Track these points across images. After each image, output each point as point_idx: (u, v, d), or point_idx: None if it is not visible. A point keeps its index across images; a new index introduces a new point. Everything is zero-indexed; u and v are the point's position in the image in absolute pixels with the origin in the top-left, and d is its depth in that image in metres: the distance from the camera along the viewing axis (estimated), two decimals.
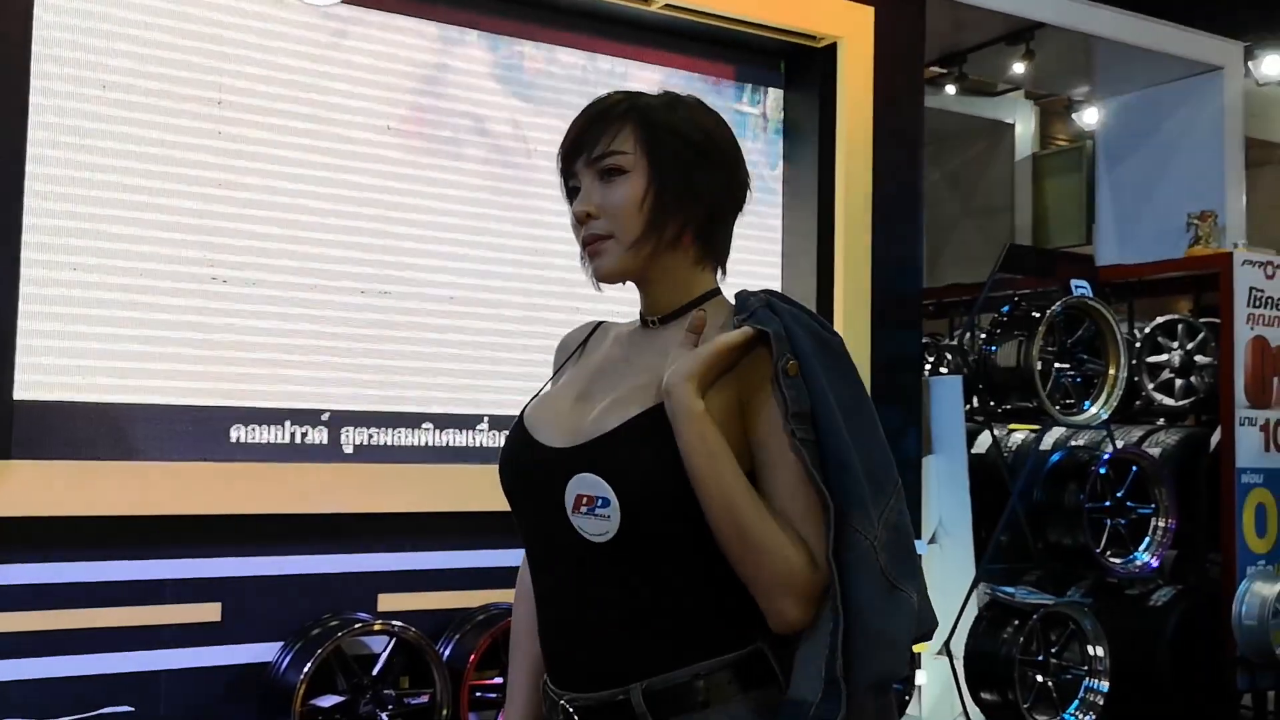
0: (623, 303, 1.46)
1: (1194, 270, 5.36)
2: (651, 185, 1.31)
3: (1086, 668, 4.31)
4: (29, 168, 3.02)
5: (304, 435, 3.38)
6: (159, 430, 3.17)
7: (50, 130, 3.06)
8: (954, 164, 7.79)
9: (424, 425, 3.56)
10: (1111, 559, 4.59)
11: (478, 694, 3.34)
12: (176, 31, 3.24)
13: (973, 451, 4.79)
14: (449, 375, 3.60)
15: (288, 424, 3.36)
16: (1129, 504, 4.67)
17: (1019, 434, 5.27)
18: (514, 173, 3.73)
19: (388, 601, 3.40)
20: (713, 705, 1.25)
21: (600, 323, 1.51)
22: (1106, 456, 4.60)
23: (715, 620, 1.27)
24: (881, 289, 4.16)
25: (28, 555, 2.95)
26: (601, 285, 1.37)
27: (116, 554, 3.06)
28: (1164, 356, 5.25)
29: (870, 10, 4.19)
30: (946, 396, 4.60)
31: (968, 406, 4.70)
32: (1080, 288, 4.64)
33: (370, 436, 3.47)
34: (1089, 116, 6.40)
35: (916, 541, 4.12)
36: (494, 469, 1.41)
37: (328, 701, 3.14)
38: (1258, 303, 5.05)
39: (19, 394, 2.99)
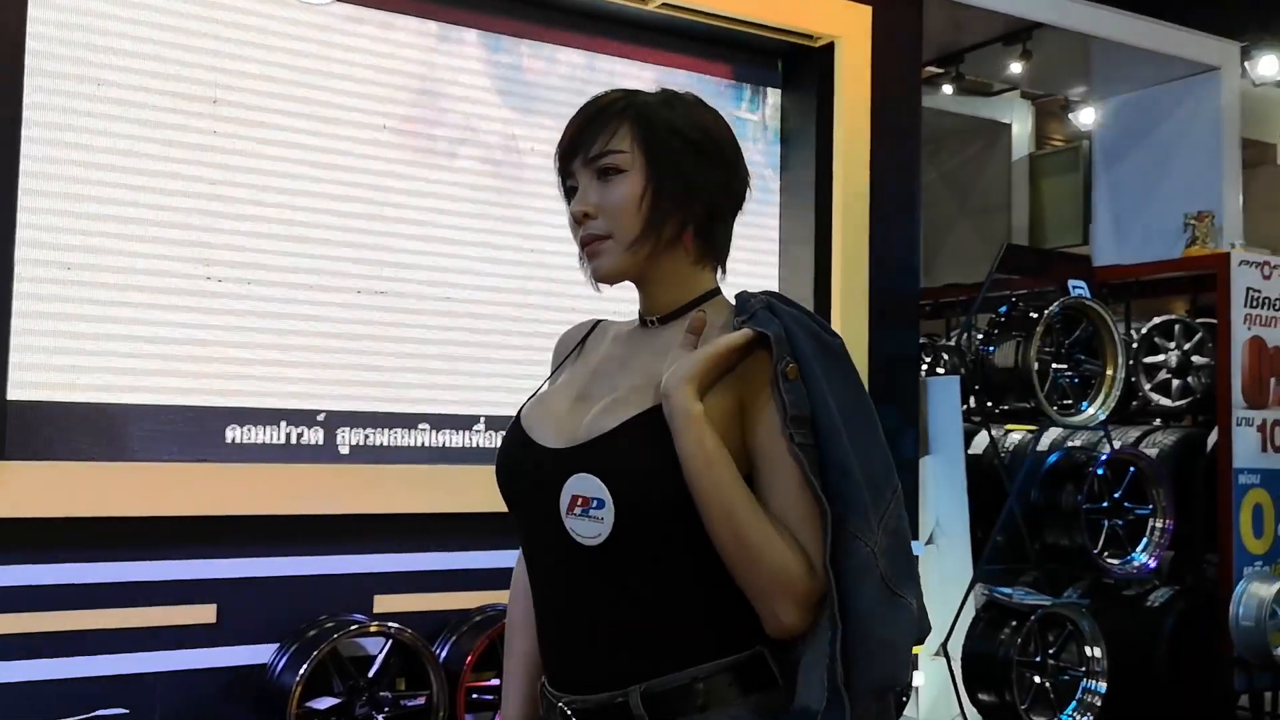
0: (621, 301, 1.45)
1: (1191, 270, 5.37)
2: (649, 184, 1.30)
3: (1084, 669, 4.31)
4: (23, 166, 3.00)
5: (299, 436, 3.37)
6: (154, 431, 3.16)
7: (44, 129, 3.05)
8: (951, 164, 7.80)
9: (420, 426, 3.55)
10: (1109, 560, 4.58)
11: (474, 696, 3.33)
12: (172, 30, 3.22)
13: (970, 452, 4.79)
14: (445, 375, 3.59)
15: (283, 424, 3.35)
16: (1126, 505, 4.66)
17: (1016, 434, 5.26)
18: (511, 172, 3.71)
19: (384, 603, 3.38)
20: (712, 708, 1.24)
21: (599, 321, 1.50)
22: (1104, 457, 4.60)
23: (714, 623, 1.26)
24: (879, 289, 4.16)
25: (21, 557, 2.94)
26: (600, 286, 1.36)
27: (111, 555, 3.04)
28: (1161, 357, 5.25)
29: (868, 10, 4.19)
30: (944, 397, 4.59)
31: (965, 407, 4.69)
32: (1078, 288, 4.64)
33: (366, 437, 3.46)
34: (1086, 116, 6.40)
35: (914, 542, 4.13)
36: (491, 470, 1.40)
37: (323, 704, 3.12)
38: (1255, 303, 5.05)
39: (12, 394, 2.98)
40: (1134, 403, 5.30)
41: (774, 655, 1.27)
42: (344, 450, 3.42)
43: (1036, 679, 4.29)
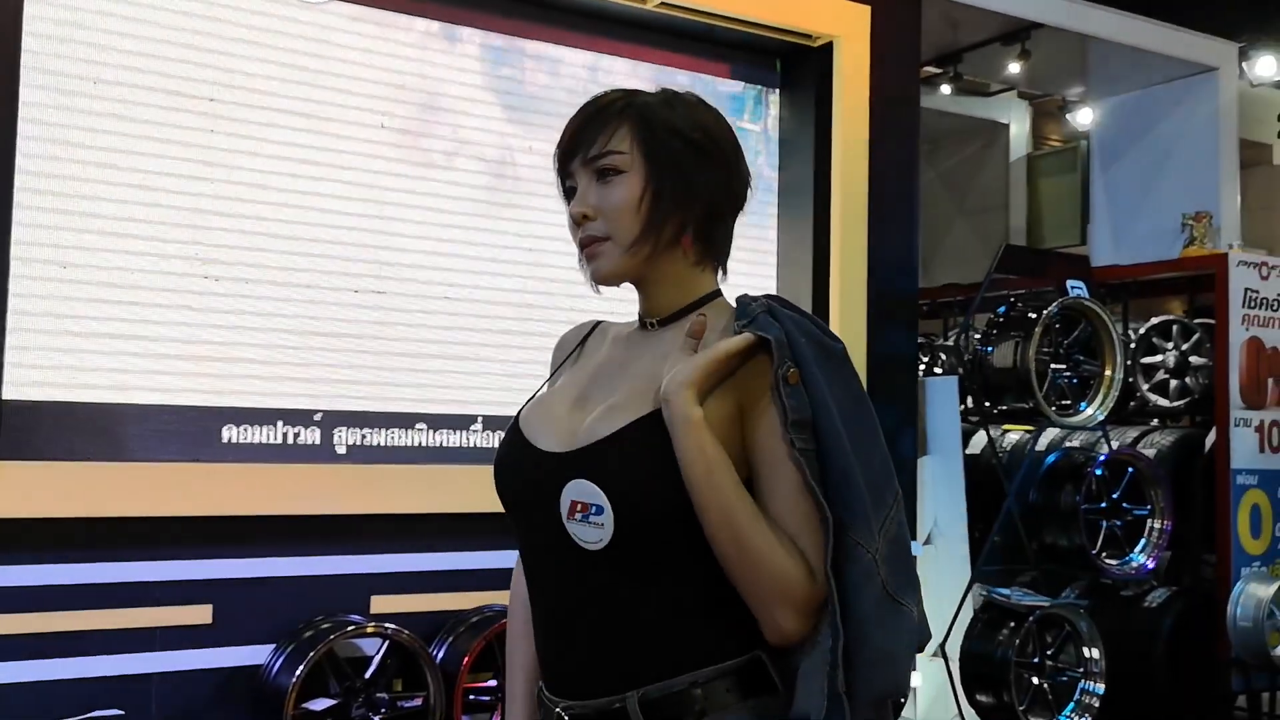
0: (620, 301, 1.44)
1: (1189, 271, 5.37)
2: (649, 185, 1.29)
3: (1082, 669, 4.31)
4: (19, 164, 2.99)
5: (296, 436, 3.35)
6: (150, 430, 3.15)
7: (40, 128, 3.04)
8: (949, 164, 7.80)
9: (417, 425, 3.54)
10: (1107, 560, 4.58)
11: (471, 697, 3.32)
12: (168, 30, 3.21)
13: (967, 452, 4.78)
14: (443, 375, 3.58)
15: (280, 424, 3.33)
16: (1124, 505, 4.66)
17: (1014, 435, 5.26)
18: (510, 171, 3.71)
19: (381, 603, 3.37)
20: (710, 713, 1.24)
21: (599, 322, 1.49)
22: (1102, 458, 4.60)
23: (713, 628, 1.26)
24: (877, 288, 4.15)
25: (16, 557, 2.93)
26: (599, 287, 1.35)
27: (106, 555, 3.03)
28: (1159, 357, 5.25)
29: (866, 9, 4.18)
30: (942, 397, 4.59)
31: (963, 407, 4.69)
32: (1076, 288, 4.63)
33: (363, 437, 3.45)
34: (1083, 117, 6.40)
35: (912, 543, 4.12)
36: (488, 470, 1.39)
37: (320, 705, 3.11)
38: (1252, 304, 5.05)
39: (8, 394, 2.96)
40: (1132, 403, 5.30)
41: (773, 661, 1.26)
42: (341, 450, 3.41)
43: (1034, 680, 4.29)
